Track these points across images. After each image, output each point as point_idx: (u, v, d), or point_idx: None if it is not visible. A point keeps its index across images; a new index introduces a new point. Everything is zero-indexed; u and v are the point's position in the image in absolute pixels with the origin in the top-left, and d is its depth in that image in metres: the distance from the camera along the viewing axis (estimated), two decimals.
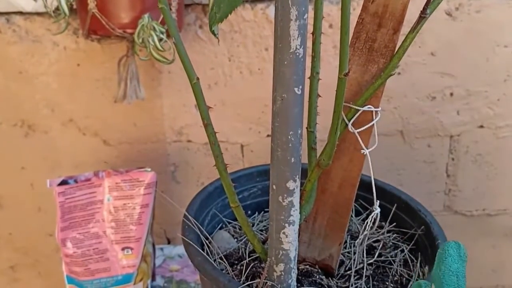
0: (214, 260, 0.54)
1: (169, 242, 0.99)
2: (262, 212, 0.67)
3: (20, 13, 0.82)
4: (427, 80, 0.86)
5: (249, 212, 0.67)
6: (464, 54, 0.84)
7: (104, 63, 0.85)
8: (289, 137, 0.42)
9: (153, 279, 0.81)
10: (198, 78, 0.42)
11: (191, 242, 0.51)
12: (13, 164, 0.93)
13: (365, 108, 0.44)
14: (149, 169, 0.74)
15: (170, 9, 0.71)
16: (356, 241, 0.54)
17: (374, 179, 0.62)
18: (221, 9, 0.36)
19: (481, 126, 0.89)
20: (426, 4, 0.39)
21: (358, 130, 0.44)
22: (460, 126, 0.89)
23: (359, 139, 0.45)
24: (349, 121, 0.45)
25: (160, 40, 0.68)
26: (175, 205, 0.81)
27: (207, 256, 0.51)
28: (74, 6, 0.73)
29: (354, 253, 0.57)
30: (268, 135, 0.90)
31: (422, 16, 0.40)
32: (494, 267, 1.01)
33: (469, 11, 0.81)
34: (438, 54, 0.84)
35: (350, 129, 0.45)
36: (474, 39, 0.83)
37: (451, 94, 0.86)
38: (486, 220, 0.97)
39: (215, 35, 0.38)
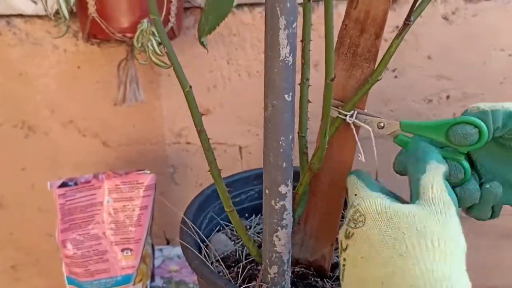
0: (212, 263, 0.55)
1: (168, 243, 1.00)
2: (260, 214, 0.67)
3: (21, 15, 0.82)
4: (424, 83, 0.86)
5: (246, 214, 0.67)
6: (461, 57, 0.84)
7: (103, 66, 0.85)
8: (280, 142, 0.42)
9: (152, 279, 0.82)
10: (190, 86, 0.43)
11: (188, 246, 0.52)
12: (14, 165, 0.94)
13: (354, 120, 0.45)
14: (148, 172, 0.75)
15: (169, 13, 0.72)
16: None
17: None
18: (209, 21, 0.37)
19: None
20: (410, 12, 0.40)
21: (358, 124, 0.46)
22: None
23: (355, 136, 0.46)
24: (339, 126, 0.46)
25: (159, 44, 0.69)
26: (173, 209, 0.82)
27: (204, 259, 0.52)
28: (74, 10, 0.74)
29: None
30: None
31: (406, 23, 0.41)
32: (492, 267, 1.02)
33: (465, 15, 0.81)
34: (434, 58, 0.84)
35: (347, 119, 0.46)
36: (471, 42, 0.83)
37: (448, 97, 0.87)
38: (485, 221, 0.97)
39: (204, 46, 0.39)
